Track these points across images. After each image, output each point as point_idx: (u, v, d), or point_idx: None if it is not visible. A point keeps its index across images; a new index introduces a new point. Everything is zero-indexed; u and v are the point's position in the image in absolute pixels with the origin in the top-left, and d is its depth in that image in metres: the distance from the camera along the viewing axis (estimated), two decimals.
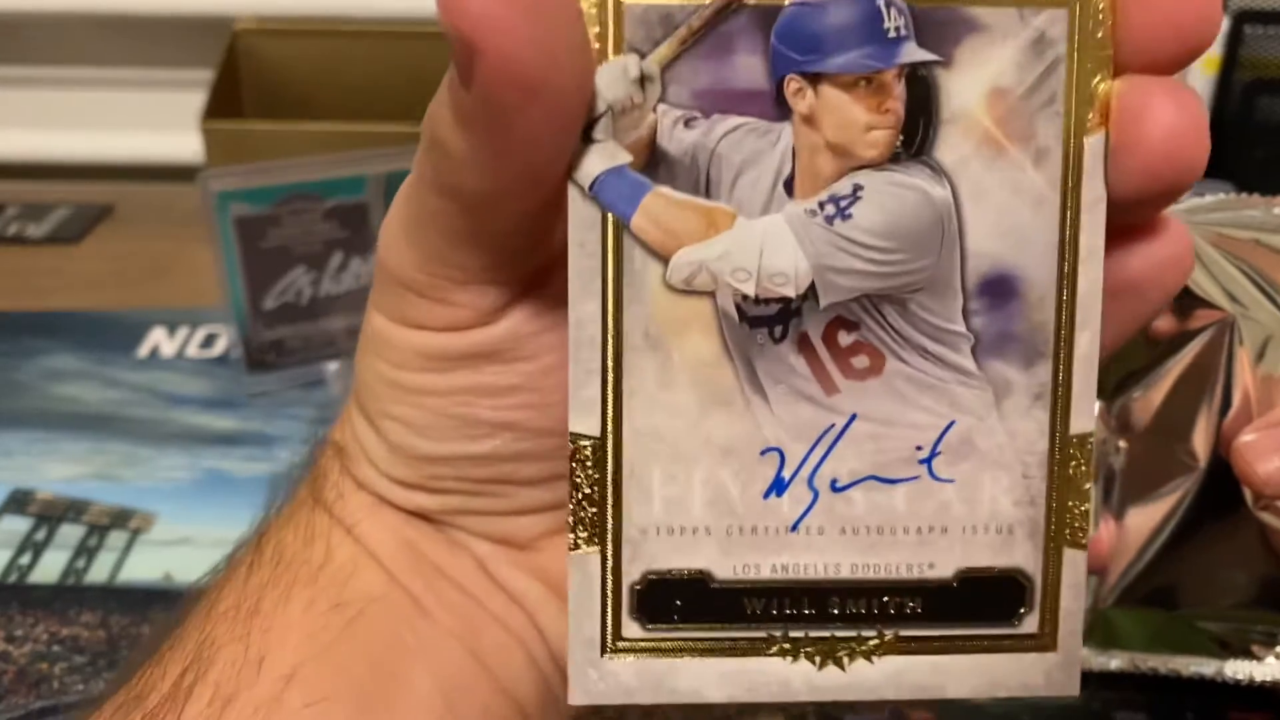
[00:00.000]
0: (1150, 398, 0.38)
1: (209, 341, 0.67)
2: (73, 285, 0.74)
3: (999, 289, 0.19)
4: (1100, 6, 0.18)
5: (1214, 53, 0.81)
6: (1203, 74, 0.82)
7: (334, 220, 0.61)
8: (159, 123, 0.93)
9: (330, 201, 0.61)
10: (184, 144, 0.81)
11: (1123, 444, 0.38)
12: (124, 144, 0.94)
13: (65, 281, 0.74)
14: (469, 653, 0.24)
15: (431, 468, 0.24)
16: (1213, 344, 0.37)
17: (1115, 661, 0.41)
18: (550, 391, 0.23)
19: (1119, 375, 0.38)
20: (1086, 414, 0.20)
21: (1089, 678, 0.42)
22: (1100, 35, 0.18)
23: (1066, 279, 0.19)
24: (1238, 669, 0.40)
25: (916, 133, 0.18)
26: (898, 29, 0.17)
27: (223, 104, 0.80)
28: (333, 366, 0.62)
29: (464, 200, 0.20)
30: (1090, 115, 0.19)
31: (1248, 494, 0.36)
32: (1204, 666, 0.40)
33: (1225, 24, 0.80)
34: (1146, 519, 0.38)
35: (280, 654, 0.23)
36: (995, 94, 0.18)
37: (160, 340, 0.67)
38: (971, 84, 0.18)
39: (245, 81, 0.85)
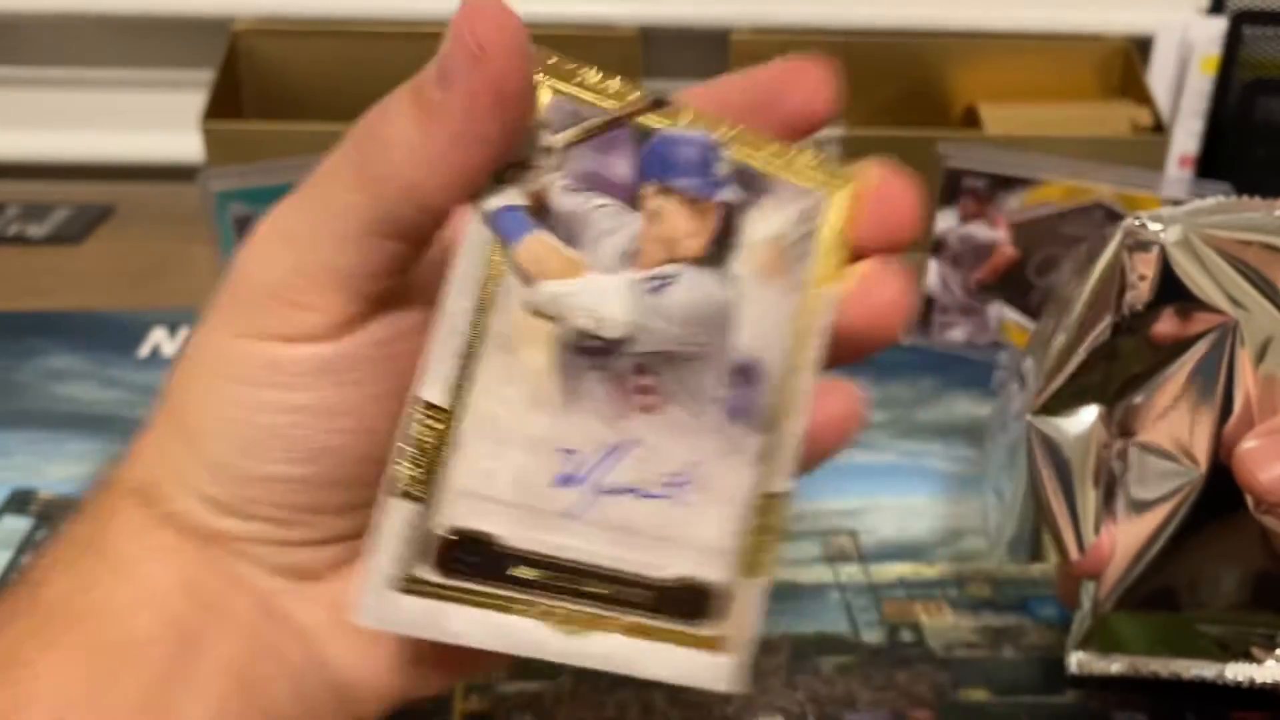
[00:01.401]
0: (1152, 402, 0.38)
1: None
2: (73, 285, 0.74)
3: (749, 373, 0.25)
4: (847, 201, 0.26)
5: (1213, 53, 0.81)
6: (1202, 74, 0.82)
7: None
8: (159, 123, 0.93)
9: None
10: (184, 144, 0.81)
11: (1124, 448, 0.38)
12: (124, 144, 0.95)
13: (66, 281, 0.74)
14: (243, 689, 0.25)
15: (248, 489, 0.25)
16: (1214, 348, 0.37)
17: (1116, 665, 0.41)
18: (374, 419, 0.25)
19: (1120, 379, 0.38)
20: (784, 477, 0.26)
21: (1088, 683, 0.42)
22: (845, 219, 0.26)
23: (789, 379, 0.26)
24: (1238, 671, 0.40)
25: (721, 247, 0.25)
26: (726, 174, 0.24)
27: (223, 104, 0.80)
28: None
29: (388, 190, 0.23)
30: (830, 271, 0.26)
31: (1249, 499, 0.36)
32: (1205, 669, 0.40)
33: (1224, 24, 0.80)
34: (1147, 522, 0.38)
35: (47, 701, 0.24)
36: (775, 238, 0.25)
37: (161, 340, 0.67)
38: (763, 226, 0.25)
39: (245, 82, 0.86)
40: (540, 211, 0.23)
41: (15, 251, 0.79)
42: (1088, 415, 0.38)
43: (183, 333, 0.68)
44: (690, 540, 0.25)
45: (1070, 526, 0.38)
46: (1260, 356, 0.36)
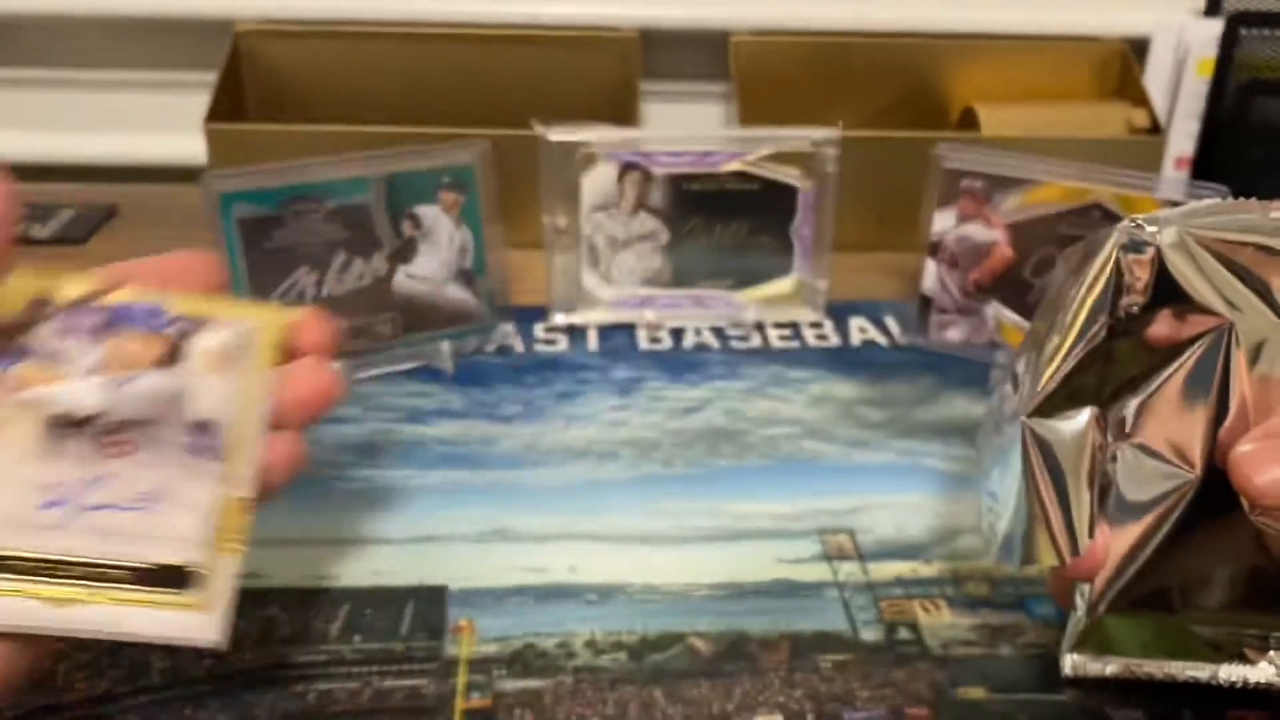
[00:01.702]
0: (1147, 404, 0.38)
1: None
2: None
3: (205, 427, 0.36)
4: (279, 324, 0.39)
5: (1209, 54, 0.81)
6: (1198, 75, 0.83)
7: (336, 221, 0.61)
8: (163, 124, 0.94)
9: (332, 202, 0.61)
10: (188, 145, 0.81)
11: (1119, 450, 0.38)
12: (128, 145, 0.95)
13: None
14: None
15: None
16: (1210, 350, 0.37)
17: (1110, 667, 0.42)
18: None
19: (1116, 382, 0.38)
20: (243, 487, 0.36)
21: (1084, 682, 0.43)
22: (277, 334, 0.39)
23: (240, 428, 0.37)
24: (1232, 672, 0.40)
25: (174, 357, 0.36)
26: (167, 318, 0.38)
27: (226, 106, 0.81)
28: (334, 366, 0.62)
29: None
30: (266, 365, 0.38)
31: (1244, 502, 0.36)
32: (1199, 671, 0.41)
33: (1220, 26, 0.80)
34: (1141, 525, 0.38)
35: None
36: (218, 348, 0.37)
37: None
38: (207, 341, 0.37)
39: (248, 83, 0.86)
40: (19, 350, 0.35)
41: (20, 251, 0.79)
42: (1082, 417, 0.37)
43: None
44: (167, 535, 0.35)
45: (1064, 529, 0.38)
46: (1255, 358, 0.36)
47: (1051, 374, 0.37)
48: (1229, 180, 0.64)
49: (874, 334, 0.70)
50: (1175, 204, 0.59)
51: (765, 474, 0.56)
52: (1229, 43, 0.79)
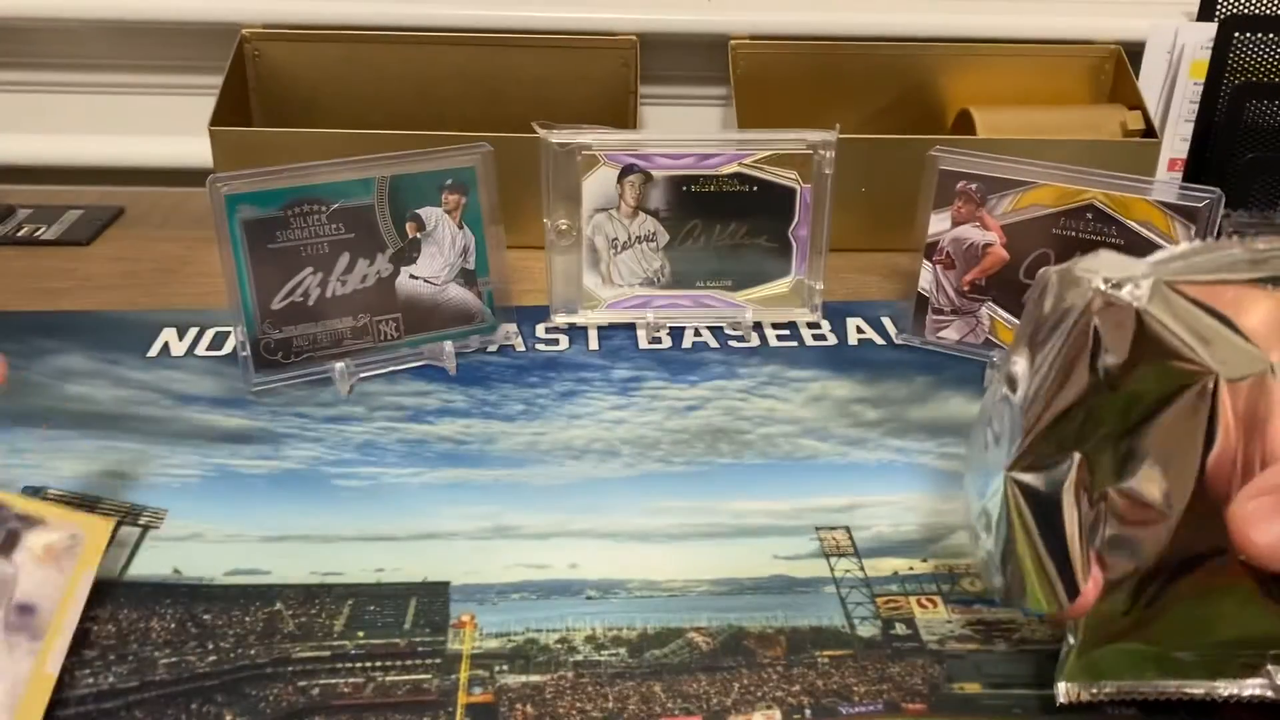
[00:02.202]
0: (1134, 450, 0.37)
1: (218, 341, 0.68)
2: (84, 286, 0.75)
3: (26, 609, 0.42)
4: (104, 530, 0.44)
5: (1203, 58, 0.82)
6: (1192, 79, 0.83)
7: (340, 222, 0.62)
8: (169, 127, 0.94)
9: (336, 204, 0.62)
10: (193, 148, 0.82)
11: (1105, 493, 0.38)
12: (135, 148, 0.95)
13: (77, 282, 0.75)
14: None
15: None
16: (1197, 399, 0.36)
17: (1105, 690, 0.41)
18: None
19: (1100, 430, 0.38)
20: (52, 665, 0.41)
21: (1080, 705, 0.42)
22: (102, 540, 0.44)
23: (60, 614, 0.42)
24: (1227, 687, 0.40)
25: (9, 549, 0.42)
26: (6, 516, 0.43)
27: (231, 109, 0.81)
28: (339, 365, 0.63)
29: None
30: (89, 561, 0.44)
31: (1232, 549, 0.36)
32: (1195, 688, 0.40)
33: (1213, 30, 0.81)
34: (1129, 564, 0.38)
35: None
36: (45, 545, 0.43)
37: (170, 340, 0.68)
38: (38, 539, 0.43)
39: (253, 87, 0.86)
40: None
41: (26, 253, 0.79)
42: (1067, 465, 0.37)
43: (191, 333, 0.69)
44: None
45: (1059, 577, 0.38)
46: (1239, 391, 0.36)
47: (1031, 428, 0.37)
48: (1221, 183, 0.64)
49: (871, 334, 0.70)
50: (1168, 205, 0.60)
51: (763, 472, 0.57)
52: (1222, 46, 0.80)
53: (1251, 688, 0.40)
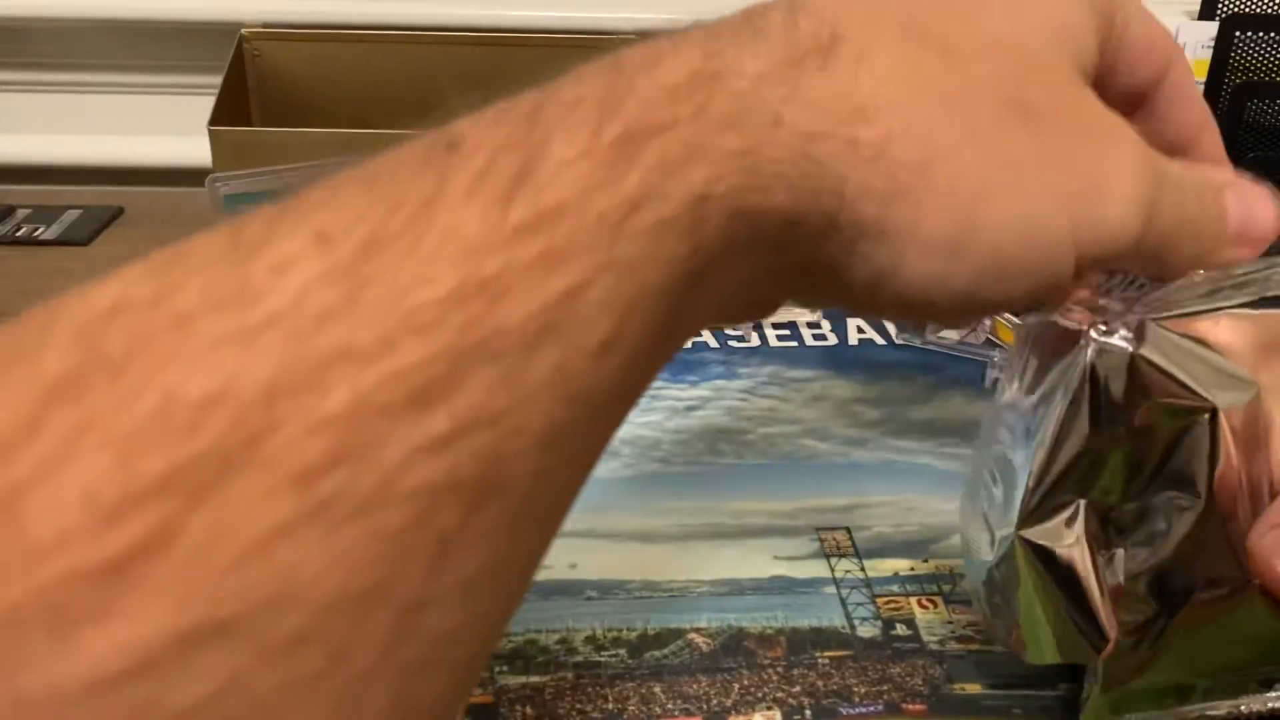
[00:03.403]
0: (1142, 501, 0.37)
1: None
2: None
3: None
4: None
5: (1204, 57, 0.82)
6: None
7: None
8: (168, 127, 0.94)
9: None
10: (193, 148, 0.82)
11: (1111, 540, 0.38)
12: (134, 147, 0.95)
13: (75, 283, 0.74)
14: None
15: None
16: (1197, 439, 0.36)
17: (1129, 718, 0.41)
18: None
19: (1106, 479, 0.37)
20: None
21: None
22: None
23: None
24: (1249, 703, 0.40)
25: None
26: None
27: (230, 108, 0.81)
28: None
29: None
30: None
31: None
32: (1216, 710, 0.40)
33: (1214, 29, 0.81)
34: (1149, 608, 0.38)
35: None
36: None
37: None
38: None
39: (253, 86, 0.86)
40: None
41: (25, 253, 0.79)
42: (1076, 515, 0.37)
43: None
44: None
45: (1091, 627, 0.38)
46: (1235, 413, 0.36)
47: (1034, 487, 0.37)
48: None
49: (871, 333, 0.70)
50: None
51: (763, 472, 0.57)
52: (1223, 46, 0.80)
53: (1273, 701, 0.40)
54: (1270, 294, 0.36)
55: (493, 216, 0.19)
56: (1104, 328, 0.36)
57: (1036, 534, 0.37)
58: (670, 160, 0.21)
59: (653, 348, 0.22)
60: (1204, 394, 0.36)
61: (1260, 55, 0.80)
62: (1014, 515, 0.38)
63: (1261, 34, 0.79)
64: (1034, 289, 0.27)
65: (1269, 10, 0.81)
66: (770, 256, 0.24)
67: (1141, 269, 0.34)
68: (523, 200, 0.20)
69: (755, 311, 0.27)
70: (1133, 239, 0.28)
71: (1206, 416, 0.36)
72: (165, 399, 0.17)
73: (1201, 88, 0.82)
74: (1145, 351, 0.35)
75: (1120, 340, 0.36)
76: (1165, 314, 0.36)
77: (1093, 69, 0.29)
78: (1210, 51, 0.81)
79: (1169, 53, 0.31)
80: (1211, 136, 0.33)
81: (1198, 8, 0.84)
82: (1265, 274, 0.36)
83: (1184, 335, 0.36)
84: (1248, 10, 0.82)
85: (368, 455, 0.17)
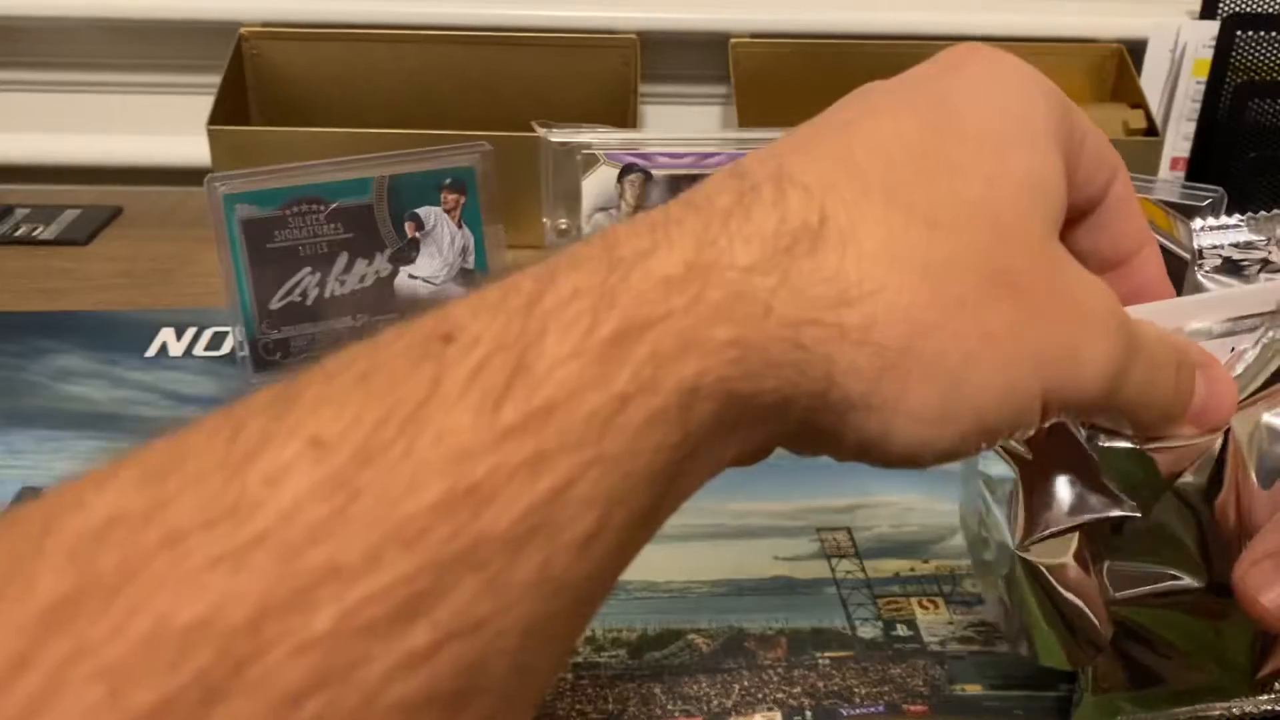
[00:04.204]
0: (1138, 527, 0.37)
1: (216, 342, 0.68)
2: (82, 286, 0.74)
3: None
4: None
5: (1205, 56, 0.82)
6: (1194, 77, 0.83)
7: (339, 222, 0.62)
8: (167, 126, 0.94)
9: (335, 204, 0.62)
10: (191, 148, 0.82)
11: (1104, 556, 0.38)
12: (132, 147, 0.95)
13: (74, 282, 0.75)
14: None
15: None
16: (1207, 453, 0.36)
17: None
18: None
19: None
20: None
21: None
22: None
23: None
24: (1240, 705, 0.40)
25: None
26: None
27: (229, 108, 0.81)
28: None
29: None
30: None
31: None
32: (1209, 711, 0.40)
33: (1216, 28, 0.81)
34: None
35: None
36: None
37: (168, 340, 0.68)
38: None
39: (251, 86, 0.86)
40: None
41: (24, 252, 0.79)
42: (1072, 536, 0.37)
43: (189, 333, 0.68)
44: None
45: (1088, 640, 0.38)
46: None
47: (1033, 502, 0.37)
48: (1224, 182, 0.64)
49: None
50: (1170, 204, 0.60)
51: (764, 472, 0.56)
52: (1224, 45, 0.80)
53: (1265, 704, 0.40)
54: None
55: (485, 418, 0.19)
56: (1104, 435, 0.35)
57: (1034, 553, 0.37)
58: (662, 354, 0.21)
59: (638, 532, 0.22)
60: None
61: (1261, 54, 0.80)
62: (1012, 532, 0.38)
63: (1262, 33, 0.79)
64: (1006, 434, 0.27)
65: (1270, 9, 0.81)
66: (759, 431, 0.24)
67: (1104, 422, 0.34)
68: (515, 400, 0.20)
69: (749, 463, 0.27)
70: (1100, 401, 0.28)
71: (1219, 440, 0.35)
72: (156, 625, 0.17)
73: (1203, 87, 0.82)
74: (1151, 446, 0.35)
75: (1123, 440, 0.35)
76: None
77: (1063, 215, 0.29)
78: (1211, 51, 0.81)
79: (1115, 162, 0.32)
80: (1152, 246, 0.33)
81: (1199, 7, 0.84)
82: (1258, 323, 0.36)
83: None
84: (1249, 10, 0.82)
85: (350, 675, 0.17)
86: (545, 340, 0.21)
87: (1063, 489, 0.36)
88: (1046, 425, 0.29)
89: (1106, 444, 0.35)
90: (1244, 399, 0.35)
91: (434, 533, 0.18)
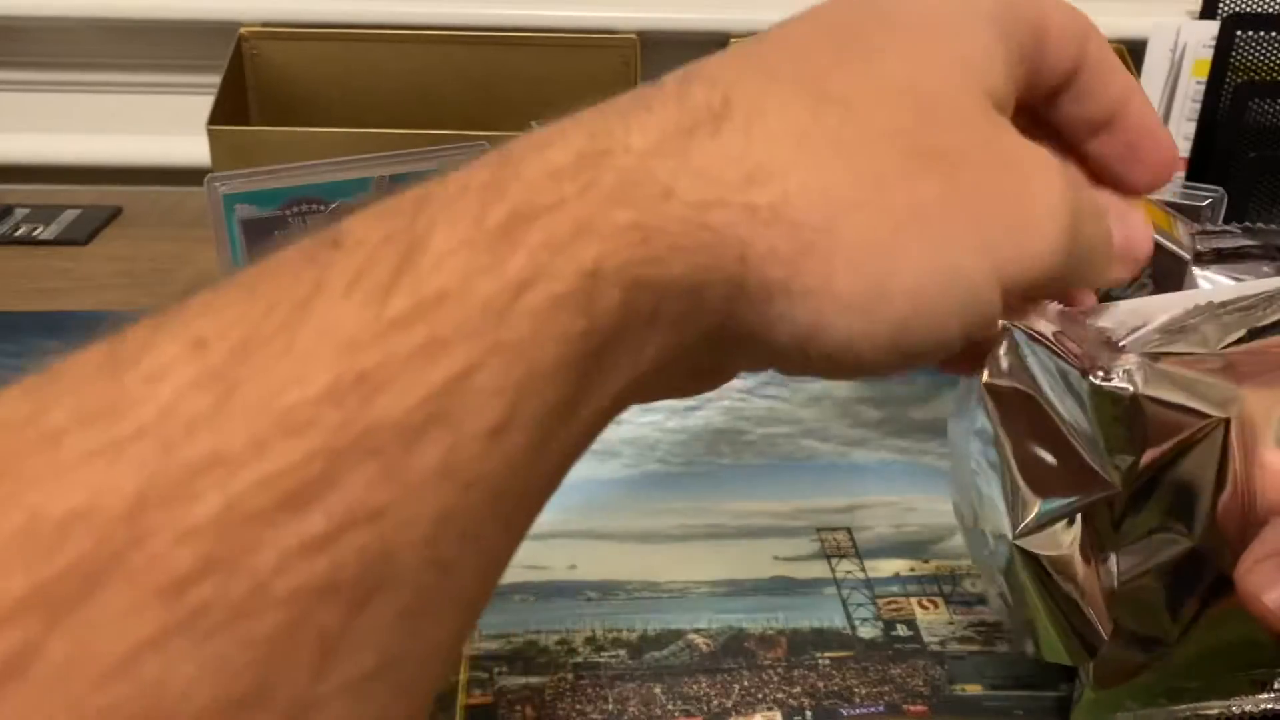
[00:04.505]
0: (1138, 517, 0.37)
1: None
2: (81, 286, 0.74)
3: None
4: None
5: (1205, 56, 0.82)
6: (1194, 77, 0.83)
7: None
8: (166, 126, 0.94)
9: (335, 204, 0.62)
10: (191, 147, 0.82)
11: (1107, 552, 0.38)
12: (132, 147, 0.95)
13: (74, 283, 0.75)
14: None
15: None
16: (1208, 445, 0.35)
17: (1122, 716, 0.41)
18: None
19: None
20: None
21: None
22: None
23: None
24: (1240, 704, 0.40)
25: None
26: None
27: (229, 108, 0.81)
28: None
29: None
30: None
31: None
32: (1207, 710, 0.40)
33: (1216, 28, 0.81)
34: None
35: None
36: None
37: None
38: None
39: (251, 86, 0.86)
40: None
41: (23, 252, 0.79)
42: (1073, 520, 0.37)
43: None
44: None
45: (1078, 632, 0.38)
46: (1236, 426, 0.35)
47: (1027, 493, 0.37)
48: (1224, 182, 0.64)
49: None
50: (1171, 204, 0.60)
51: (763, 472, 0.57)
52: (1224, 45, 0.79)
53: (1265, 703, 0.40)
54: (1260, 324, 0.35)
55: (371, 310, 0.19)
56: (1101, 373, 0.34)
57: (1033, 543, 0.37)
58: (558, 238, 0.21)
59: (556, 426, 0.21)
60: (1214, 411, 0.35)
61: (1261, 54, 0.80)
62: (1011, 522, 0.37)
63: (1263, 33, 0.79)
64: (963, 329, 0.26)
65: (1270, 9, 0.81)
66: (681, 327, 0.23)
67: (1050, 293, 0.34)
68: (402, 291, 0.19)
69: (696, 384, 0.27)
70: (1057, 269, 0.28)
71: (1221, 429, 0.35)
72: (30, 518, 0.17)
73: (1202, 87, 0.82)
74: (1149, 390, 0.34)
75: (1121, 382, 0.35)
76: (1161, 351, 0.35)
77: (1009, 93, 0.28)
78: (1211, 51, 0.81)
79: (1084, 28, 0.31)
80: (1139, 99, 0.32)
81: (1198, 7, 0.84)
82: (1250, 303, 0.36)
83: (1180, 362, 0.35)
84: (1249, 9, 0.81)
85: (239, 561, 0.17)
86: (433, 234, 0.20)
87: (1051, 472, 0.36)
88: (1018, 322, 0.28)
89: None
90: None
91: (323, 420, 0.18)
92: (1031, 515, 0.37)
